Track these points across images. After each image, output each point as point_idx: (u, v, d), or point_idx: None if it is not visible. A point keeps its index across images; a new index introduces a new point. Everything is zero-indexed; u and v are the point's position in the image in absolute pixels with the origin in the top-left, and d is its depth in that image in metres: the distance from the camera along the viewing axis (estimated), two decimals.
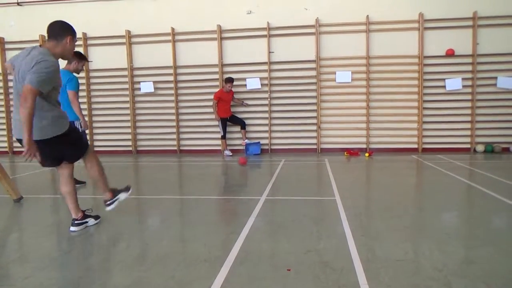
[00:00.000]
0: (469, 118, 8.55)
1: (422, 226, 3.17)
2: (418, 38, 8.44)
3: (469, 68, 8.41)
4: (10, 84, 9.82)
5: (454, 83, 8.43)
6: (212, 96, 8.87)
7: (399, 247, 2.64)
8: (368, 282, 2.11)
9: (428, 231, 3.02)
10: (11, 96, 9.84)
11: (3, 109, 9.80)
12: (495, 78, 8.31)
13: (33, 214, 3.86)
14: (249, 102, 9.01)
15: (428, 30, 8.44)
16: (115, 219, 3.61)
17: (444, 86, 8.51)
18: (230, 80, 8.44)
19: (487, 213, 3.55)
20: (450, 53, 8.35)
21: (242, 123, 8.86)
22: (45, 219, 3.67)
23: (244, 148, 8.84)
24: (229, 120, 8.79)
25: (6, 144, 9.90)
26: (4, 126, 9.83)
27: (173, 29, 9.08)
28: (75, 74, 4.88)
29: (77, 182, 4.86)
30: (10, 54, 9.75)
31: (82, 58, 4.94)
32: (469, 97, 8.48)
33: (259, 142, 8.85)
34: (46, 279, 2.24)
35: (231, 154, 8.72)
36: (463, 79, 8.41)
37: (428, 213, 3.60)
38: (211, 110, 8.99)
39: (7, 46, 9.74)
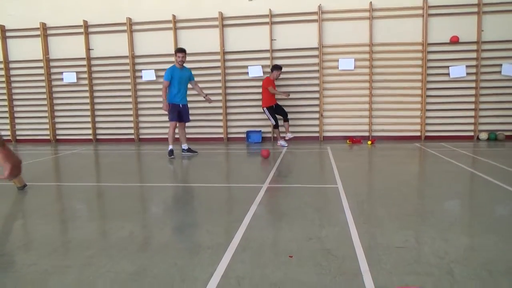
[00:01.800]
0: (472, 106, 8.50)
1: (424, 214, 3.17)
2: (422, 25, 8.35)
3: (474, 55, 8.34)
4: (13, 72, 9.81)
5: (458, 70, 8.36)
6: (214, 84, 8.84)
7: (401, 235, 2.65)
8: (369, 269, 2.12)
9: (430, 219, 3.02)
10: (14, 84, 9.85)
11: (5, 97, 9.80)
12: (500, 65, 8.24)
13: (37, 202, 3.88)
14: (251, 91, 8.97)
15: (432, 16, 8.34)
16: (118, 207, 3.63)
17: (448, 74, 8.45)
18: (280, 68, 8.07)
19: (490, 201, 3.55)
20: (455, 40, 8.26)
21: (285, 115, 8.30)
22: (49, 206, 3.69)
23: (245, 136, 8.84)
24: (275, 109, 8.26)
25: (9, 132, 9.93)
26: (7, 114, 9.84)
27: (174, 16, 9.00)
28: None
29: (191, 151, 7.02)
30: (11, 42, 9.72)
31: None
32: (473, 84, 8.42)
33: (260, 131, 8.83)
34: (50, 266, 2.26)
35: (286, 144, 8.12)
36: (467, 66, 8.35)
37: (430, 201, 3.60)
38: (212, 98, 8.94)
39: (8, 34, 9.69)
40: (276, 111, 8.25)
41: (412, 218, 3.05)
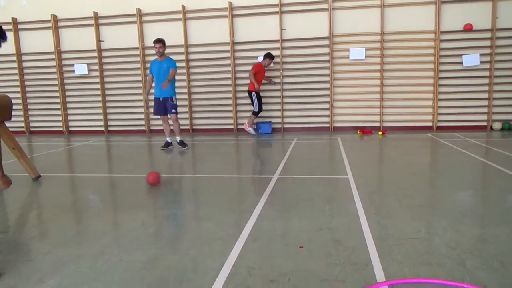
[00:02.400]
0: (486, 95, 8.36)
1: (436, 204, 3.15)
2: (435, 12, 8.20)
3: (488, 43, 8.17)
4: (25, 64, 9.92)
5: (471, 59, 8.21)
6: (224, 75, 8.82)
7: (412, 226, 2.63)
8: (380, 259, 2.12)
9: (441, 209, 3.00)
10: (26, 77, 9.96)
11: (18, 89, 9.92)
12: None
13: (51, 192, 3.95)
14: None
15: (446, 4, 8.18)
16: (130, 197, 3.68)
17: (461, 62, 8.30)
18: (271, 57, 8.23)
19: (503, 192, 3.50)
20: (468, 28, 8.09)
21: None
22: (63, 197, 3.76)
23: (256, 126, 8.83)
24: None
25: (23, 124, 10.07)
26: (21, 106, 9.97)
27: (184, 7, 8.97)
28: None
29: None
30: (23, 34, 9.81)
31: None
32: (487, 73, 8.27)
33: (270, 121, 8.81)
34: (64, 255, 2.31)
35: (255, 133, 8.52)
36: (481, 54, 8.19)
37: (442, 192, 3.57)
38: (222, 89, 8.99)
39: (20, 26, 9.78)
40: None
41: (424, 209, 3.03)
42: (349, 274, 1.97)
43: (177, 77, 9.33)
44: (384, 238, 2.43)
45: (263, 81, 8.47)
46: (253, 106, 8.35)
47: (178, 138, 6.72)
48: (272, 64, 8.54)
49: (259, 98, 8.31)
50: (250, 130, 8.47)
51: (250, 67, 8.88)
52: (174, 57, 9.25)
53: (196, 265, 2.13)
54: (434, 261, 2.10)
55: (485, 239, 2.39)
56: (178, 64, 9.22)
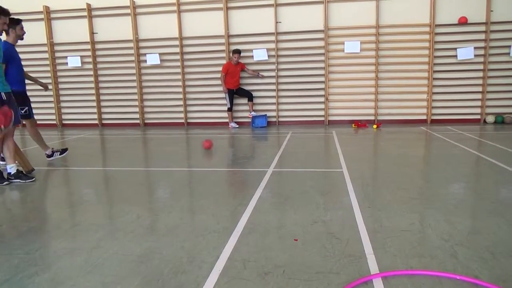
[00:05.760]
0: (480, 89, 8.40)
1: (429, 197, 3.18)
2: (430, 5, 8.20)
3: (482, 36, 8.19)
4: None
5: (466, 52, 8.23)
6: (219, 68, 8.79)
7: (406, 218, 2.66)
8: (374, 251, 2.14)
9: (435, 202, 3.03)
10: None
11: None
12: (509, 47, 8.10)
13: (45, 186, 3.93)
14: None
15: None
16: (125, 191, 3.67)
17: (455, 56, 8.32)
18: (236, 51, 8.39)
19: (496, 184, 3.54)
20: (463, 21, 8.11)
21: (249, 95, 8.80)
22: (57, 190, 3.74)
23: (251, 120, 8.83)
24: (236, 92, 8.74)
25: None
26: None
27: None
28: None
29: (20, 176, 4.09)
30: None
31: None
32: (481, 66, 8.31)
33: (265, 115, 8.81)
34: (59, 248, 2.31)
35: (237, 126, 8.76)
36: (475, 48, 8.21)
37: (436, 184, 3.60)
38: (218, 82, 8.92)
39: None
40: (239, 93, 8.83)
41: (417, 202, 3.06)
42: (343, 266, 1.99)
43: (173, 70, 9.35)
44: (378, 230, 2.45)
45: (247, 75, 8.86)
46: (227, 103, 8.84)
47: (12, 168, 4.02)
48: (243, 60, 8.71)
49: (231, 96, 8.69)
50: (232, 125, 8.81)
51: (245, 60, 8.88)
52: (168, 50, 9.26)
53: (192, 257, 2.14)
54: (427, 253, 2.12)
55: (477, 231, 2.42)
56: (172, 57, 9.25)
